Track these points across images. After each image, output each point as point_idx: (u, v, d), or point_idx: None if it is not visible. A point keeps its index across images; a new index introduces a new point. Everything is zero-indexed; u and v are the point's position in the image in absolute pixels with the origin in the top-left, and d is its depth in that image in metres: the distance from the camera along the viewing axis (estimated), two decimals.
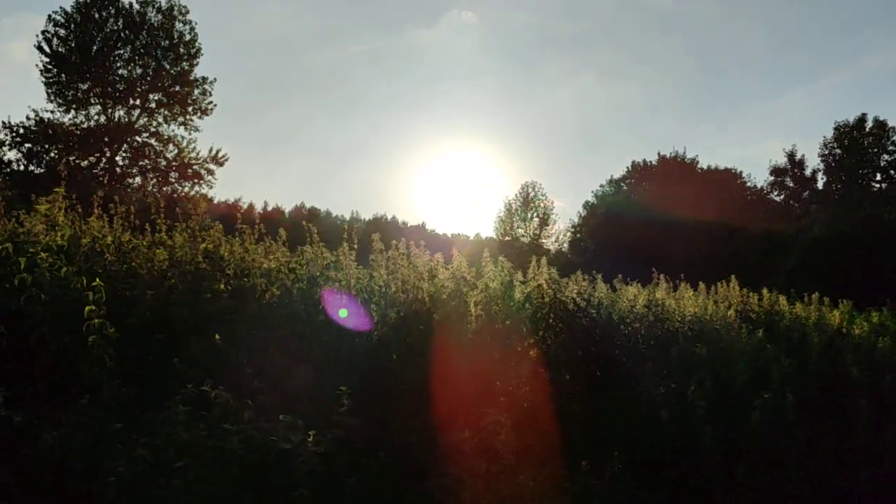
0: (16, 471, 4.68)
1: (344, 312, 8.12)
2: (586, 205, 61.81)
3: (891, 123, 46.84)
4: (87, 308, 5.32)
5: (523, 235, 63.45)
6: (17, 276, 5.60)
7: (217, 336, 6.66)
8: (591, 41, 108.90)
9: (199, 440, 4.87)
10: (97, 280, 5.34)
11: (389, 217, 75.32)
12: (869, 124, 47.12)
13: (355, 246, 10.06)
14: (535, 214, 62.99)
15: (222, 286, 8.24)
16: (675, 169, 55.31)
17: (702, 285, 13.01)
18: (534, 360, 9.36)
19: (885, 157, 46.28)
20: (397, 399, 7.19)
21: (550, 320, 10.03)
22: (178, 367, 5.64)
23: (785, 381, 8.43)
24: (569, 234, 63.36)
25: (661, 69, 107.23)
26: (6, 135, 46.11)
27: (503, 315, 9.40)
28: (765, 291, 13.87)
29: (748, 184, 55.21)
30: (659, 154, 57.50)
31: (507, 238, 64.77)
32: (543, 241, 64.82)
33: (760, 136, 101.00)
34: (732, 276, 13.79)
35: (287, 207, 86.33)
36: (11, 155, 46.44)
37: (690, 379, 8.23)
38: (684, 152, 56.50)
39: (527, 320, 9.48)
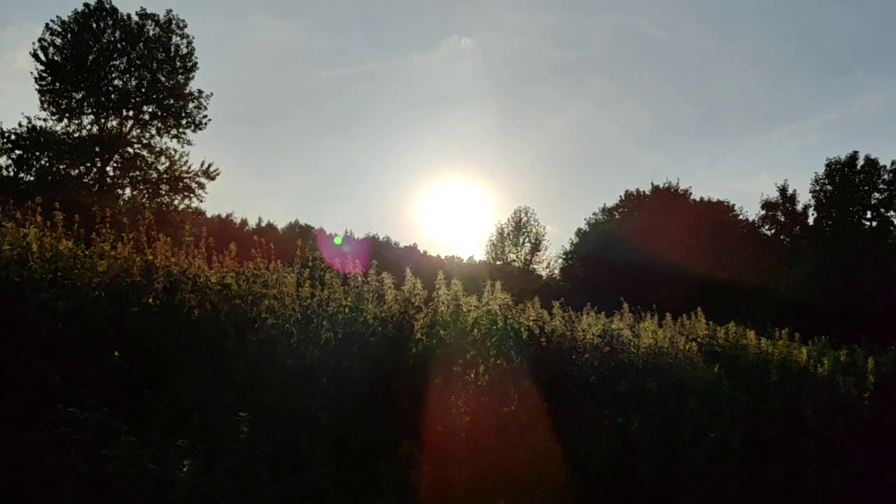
0: None
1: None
2: (578, 232, 61.64)
3: (882, 162, 46.73)
4: None
5: (515, 260, 63.11)
6: None
7: (116, 353, 6.32)
8: (586, 70, 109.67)
9: (69, 465, 4.52)
10: None
11: (381, 237, 74.98)
12: (860, 162, 46.96)
13: (310, 263, 9.78)
14: (527, 240, 62.72)
15: (151, 300, 7.91)
16: (668, 199, 55.14)
17: (668, 317, 12.68)
18: (481, 389, 9.02)
19: (876, 195, 46.08)
20: (319, 427, 6.83)
21: (501, 347, 9.71)
22: (59, 385, 5.29)
23: (735, 419, 8.08)
24: (560, 260, 63.06)
25: (656, 99, 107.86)
26: None
27: (451, 340, 9.08)
28: (731, 325, 13.53)
29: (740, 217, 55.13)
30: (652, 184, 57.46)
31: (498, 262, 64.50)
32: (535, 266, 64.50)
33: (753, 170, 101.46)
34: (699, 309, 13.46)
35: (280, 224, 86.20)
36: (2, 161, 46.35)
37: (637, 414, 7.88)
38: (677, 183, 56.44)
39: (472, 346, 9.15)
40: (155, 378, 7.04)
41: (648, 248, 49.23)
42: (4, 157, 45.81)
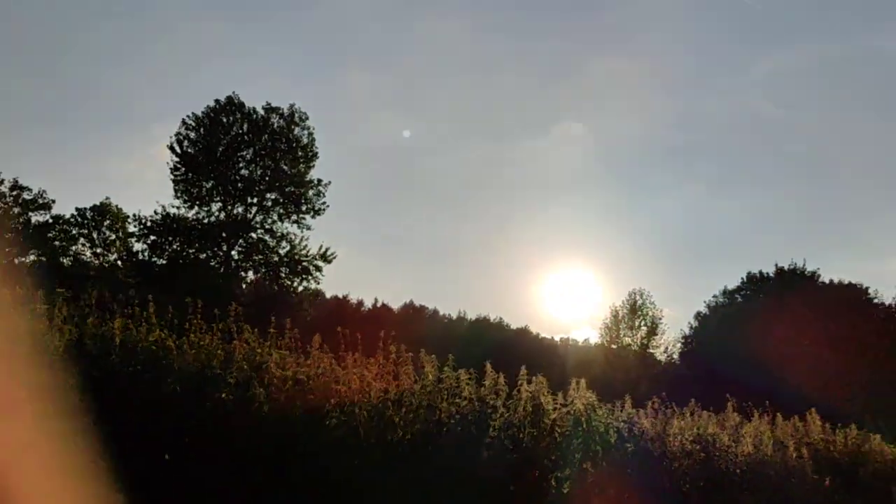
0: None
1: None
2: (698, 315, 59.07)
3: None
4: None
5: (631, 344, 60.99)
6: None
7: (166, 455, 6.31)
8: (701, 151, 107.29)
9: None
10: None
11: (493, 318, 74.65)
12: None
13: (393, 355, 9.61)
14: (643, 323, 60.58)
15: (224, 395, 7.95)
16: (794, 282, 52.15)
17: (779, 418, 11.60)
18: (563, 497, 8.47)
19: None
20: None
21: (587, 451, 9.13)
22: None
23: None
24: (679, 344, 60.44)
25: (777, 179, 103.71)
26: (135, 227, 49.66)
27: (529, 444, 8.61)
28: (853, 428, 12.14)
29: (876, 300, 51.23)
30: (776, 266, 54.60)
31: (613, 346, 62.56)
32: (652, 350, 62.09)
33: (889, 250, 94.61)
34: (812, 410, 12.22)
35: (395, 305, 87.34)
36: (138, 246, 49.86)
37: None
38: (804, 265, 53.38)
39: (554, 449, 8.63)
40: (223, 475, 7.03)
41: (773, 333, 46.51)
42: (140, 243, 49.28)
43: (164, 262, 48.94)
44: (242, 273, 52.16)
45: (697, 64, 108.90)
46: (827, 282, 52.75)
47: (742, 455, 9.07)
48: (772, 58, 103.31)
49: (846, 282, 52.64)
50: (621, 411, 9.73)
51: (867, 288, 51.97)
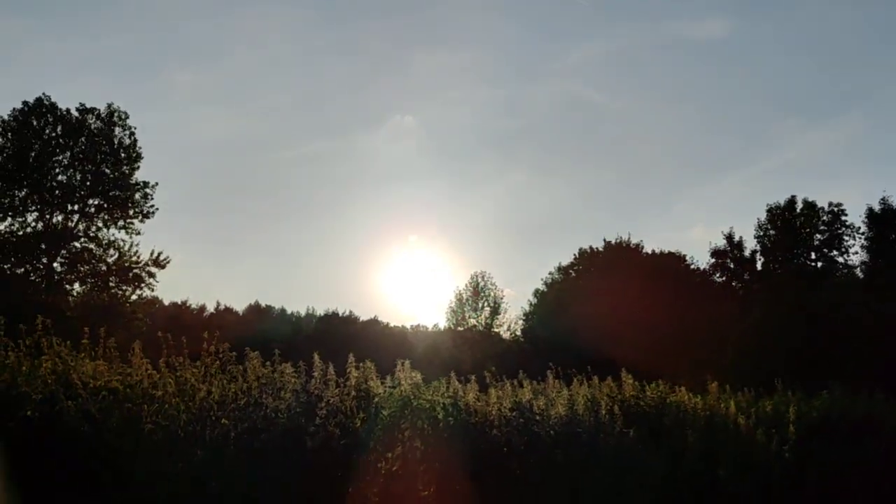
0: None
1: None
2: (536, 292, 61.76)
3: (820, 204, 48.24)
4: None
5: (475, 325, 62.95)
6: None
7: None
8: (528, 136, 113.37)
9: None
10: None
11: (341, 312, 74.42)
12: (799, 205, 48.33)
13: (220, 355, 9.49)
14: (486, 304, 62.75)
15: (29, 413, 7.57)
16: (621, 254, 55.69)
17: (595, 380, 12.52)
18: (387, 475, 8.74)
19: (818, 236, 47.28)
20: None
21: (415, 428, 9.46)
22: None
23: (646, 487, 7.88)
24: (520, 322, 63.01)
25: (598, 159, 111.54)
26: None
27: (356, 426, 8.84)
28: (659, 383, 13.30)
29: (692, 266, 55.76)
30: (604, 240, 58.07)
31: (459, 328, 64.26)
32: (497, 329, 64.36)
33: (697, 221, 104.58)
34: (623, 370, 13.25)
35: (240, 307, 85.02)
36: None
37: (546, 489, 7.66)
38: (629, 238, 57.14)
39: (383, 431, 8.90)
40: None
41: (605, 304, 49.43)
42: None
43: None
44: (67, 286, 48.78)
45: (518, 54, 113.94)
46: (650, 252, 56.75)
47: (555, 417, 9.75)
48: (587, 45, 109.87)
49: (666, 251, 56.88)
50: (447, 388, 10.15)
51: (684, 255, 56.45)
